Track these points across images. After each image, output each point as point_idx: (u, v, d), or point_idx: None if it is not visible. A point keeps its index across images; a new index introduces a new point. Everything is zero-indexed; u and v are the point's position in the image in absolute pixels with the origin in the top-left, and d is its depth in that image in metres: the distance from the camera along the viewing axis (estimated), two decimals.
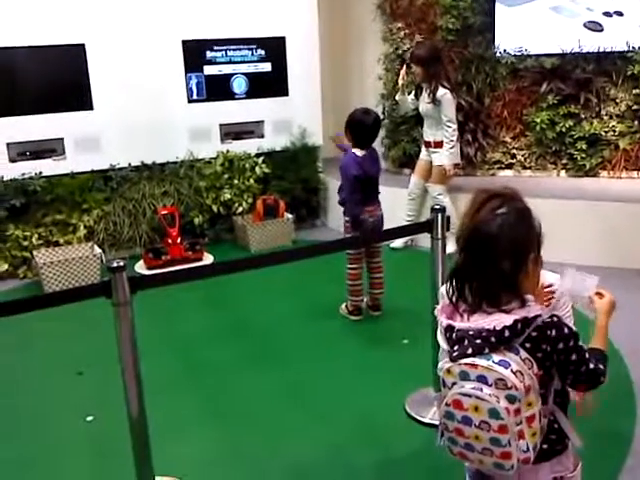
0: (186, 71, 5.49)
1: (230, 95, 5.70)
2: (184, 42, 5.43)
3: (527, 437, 1.45)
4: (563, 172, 5.73)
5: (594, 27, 5.42)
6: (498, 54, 5.66)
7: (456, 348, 1.51)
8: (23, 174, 4.99)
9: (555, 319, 1.48)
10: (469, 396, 1.45)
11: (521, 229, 1.49)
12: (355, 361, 3.55)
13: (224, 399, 3.22)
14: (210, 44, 5.54)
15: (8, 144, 4.95)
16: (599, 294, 1.70)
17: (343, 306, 4.15)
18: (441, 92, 4.79)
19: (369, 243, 3.96)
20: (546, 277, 1.84)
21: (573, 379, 1.53)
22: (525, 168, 5.86)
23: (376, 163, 3.96)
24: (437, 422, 1.61)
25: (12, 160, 4.98)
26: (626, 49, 5.27)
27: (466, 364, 1.47)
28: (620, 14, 5.36)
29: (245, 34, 5.65)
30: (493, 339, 1.45)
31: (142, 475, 2.38)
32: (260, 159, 5.76)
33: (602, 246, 4.72)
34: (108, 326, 2.32)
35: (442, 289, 1.64)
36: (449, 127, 4.84)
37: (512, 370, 1.42)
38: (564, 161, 5.69)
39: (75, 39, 5.01)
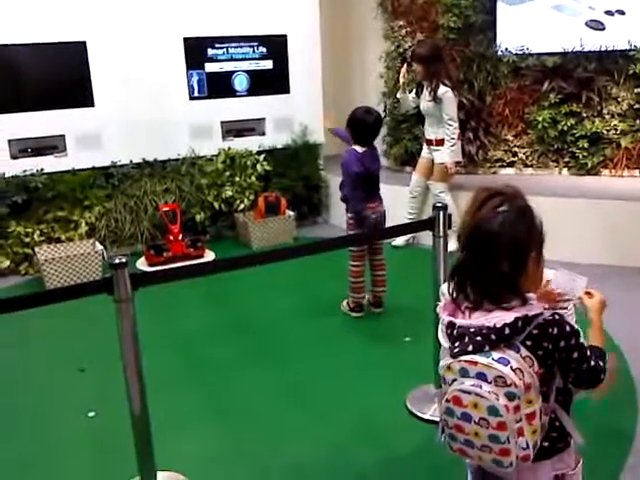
0: (187, 68, 5.49)
1: (231, 92, 5.70)
2: (185, 39, 5.42)
3: (527, 434, 1.44)
4: (565, 170, 5.73)
5: (596, 26, 5.42)
6: (500, 53, 5.66)
7: (457, 345, 1.52)
8: (25, 171, 5.00)
9: (557, 317, 1.48)
10: (468, 393, 1.45)
11: (522, 227, 1.49)
12: (356, 358, 3.55)
13: (225, 396, 3.23)
14: (211, 41, 5.54)
15: (10, 141, 4.95)
16: (588, 294, 1.71)
17: (344, 303, 4.16)
18: (442, 90, 4.79)
19: (371, 240, 3.97)
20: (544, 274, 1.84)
21: (575, 377, 1.53)
22: (527, 166, 5.86)
23: (376, 161, 3.97)
24: (438, 419, 1.61)
25: (14, 157, 4.99)
26: (628, 48, 5.27)
27: (466, 361, 1.47)
28: (622, 13, 5.35)
29: (247, 32, 5.65)
30: (493, 336, 1.45)
31: (144, 471, 2.40)
32: (261, 156, 5.76)
33: (603, 244, 4.73)
34: (110, 323, 2.33)
35: (442, 287, 1.65)
36: (450, 125, 4.84)
37: (512, 367, 1.42)
38: (566, 159, 5.69)
39: (76, 36, 5.01)
